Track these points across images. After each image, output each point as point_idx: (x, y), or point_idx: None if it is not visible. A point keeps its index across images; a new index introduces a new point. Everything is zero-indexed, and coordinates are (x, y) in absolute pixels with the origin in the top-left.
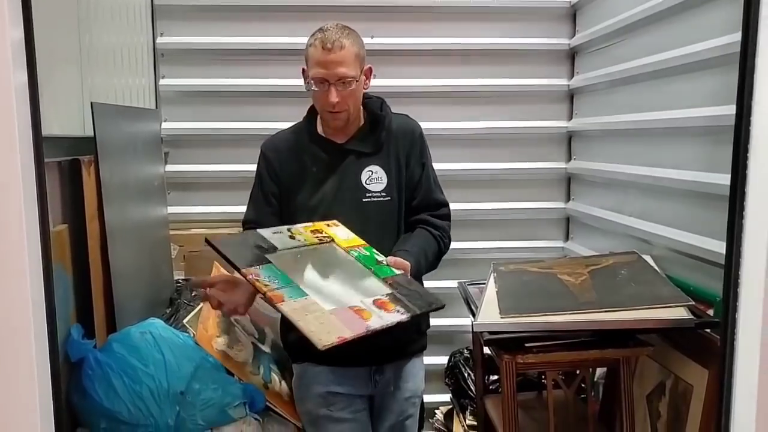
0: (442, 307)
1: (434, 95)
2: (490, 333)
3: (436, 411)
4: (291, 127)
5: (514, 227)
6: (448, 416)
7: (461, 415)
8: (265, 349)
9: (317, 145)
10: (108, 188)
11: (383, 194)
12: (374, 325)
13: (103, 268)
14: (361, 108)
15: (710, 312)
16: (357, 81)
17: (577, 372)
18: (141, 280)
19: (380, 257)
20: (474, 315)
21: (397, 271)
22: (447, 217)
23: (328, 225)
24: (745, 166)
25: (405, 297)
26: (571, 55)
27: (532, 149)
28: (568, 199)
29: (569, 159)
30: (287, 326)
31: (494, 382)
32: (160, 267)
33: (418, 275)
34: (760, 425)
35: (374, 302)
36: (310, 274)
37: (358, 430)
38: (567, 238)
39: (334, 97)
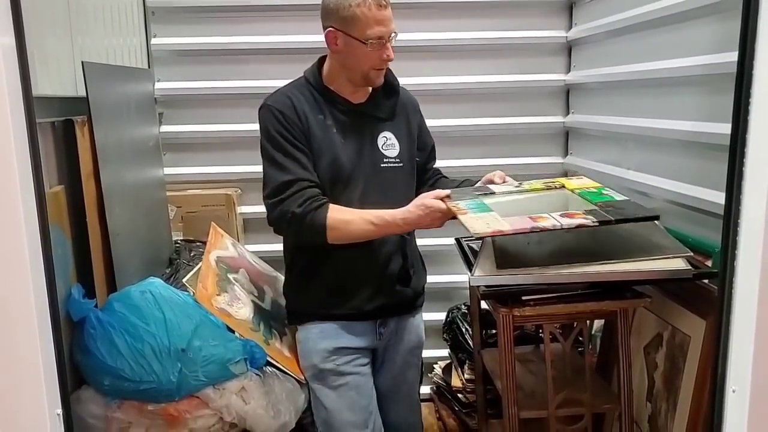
0: (656, 217)
1: (428, 50)
2: (487, 287)
3: (435, 365)
4: (291, 84)
5: None
6: (447, 370)
7: (459, 369)
8: (265, 306)
9: (334, 104)
10: (103, 149)
11: (397, 160)
12: (544, 224)
13: (101, 229)
14: None
15: (708, 263)
16: None
17: (574, 325)
18: (139, 241)
19: (608, 191)
20: (471, 270)
21: (618, 197)
22: None
23: (569, 178)
24: (746, 114)
25: (605, 210)
26: (569, 5)
27: (529, 103)
28: (566, 153)
29: (567, 113)
30: (295, 288)
31: (492, 336)
32: (158, 228)
33: None
34: (757, 372)
35: (562, 214)
36: (514, 204)
37: (361, 382)
38: None
39: (392, 52)
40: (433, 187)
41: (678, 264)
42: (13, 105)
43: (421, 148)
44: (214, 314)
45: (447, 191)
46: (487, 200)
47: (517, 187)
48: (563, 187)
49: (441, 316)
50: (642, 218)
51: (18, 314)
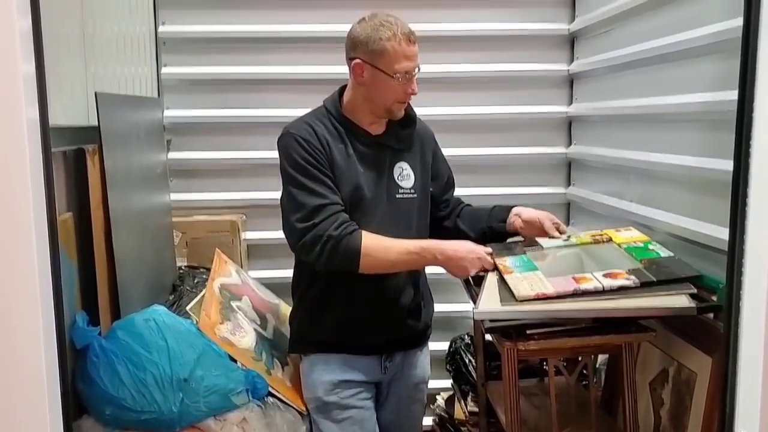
0: (699, 277)
1: (433, 81)
2: (491, 321)
3: (437, 396)
4: (311, 113)
5: None
6: (450, 402)
7: (462, 401)
8: (267, 335)
9: (354, 134)
10: (112, 177)
11: (411, 191)
12: (586, 286)
13: (107, 256)
14: None
15: (714, 298)
16: None
17: (579, 359)
18: (144, 267)
19: (654, 245)
20: (474, 302)
21: (663, 254)
22: None
23: (617, 230)
24: (747, 152)
25: (650, 271)
26: (571, 40)
27: (532, 134)
28: (568, 184)
29: (569, 144)
30: (304, 318)
31: (495, 367)
32: (163, 254)
33: None
34: (765, 413)
35: (605, 274)
36: (560, 261)
37: (365, 416)
38: (568, 223)
39: (416, 87)
40: (459, 218)
41: (682, 301)
42: (31, 134)
43: (435, 178)
44: (216, 343)
45: (489, 249)
46: (533, 256)
47: (565, 240)
48: (611, 240)
49: (444, 346)
50: (684, 278)
51: (25, 342)
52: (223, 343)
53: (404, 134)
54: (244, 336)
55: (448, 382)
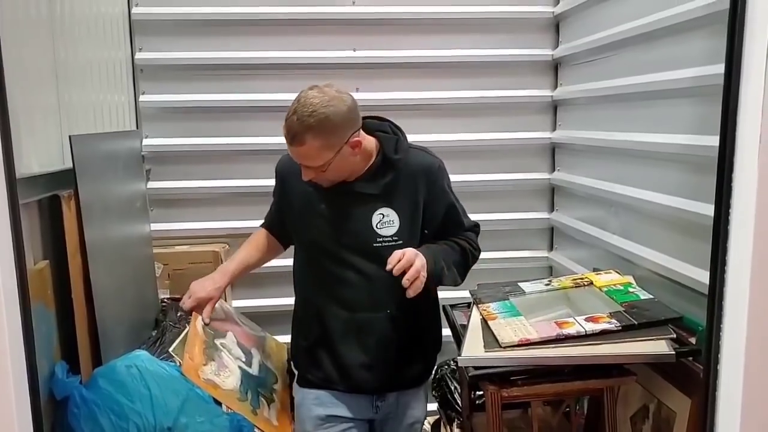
0: (679, 318)
1: (417, 108)
2: (475, 368)
3: (424, 421)
4: None
5: (498, 238)
6: (436, 426)
7: (448, 427)
8: (252, 371)
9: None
10: (89, 219)
11: (395, 238)
12: (569, 331)
13: (86, 301)
14: (372, 140)
15: (693, 340)
16: (332, 163)
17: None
18: (125, 306)
19: (634, 288)
20: (459, 346)
21: (643, 296)
22: (477, 233)
23: (598, 273)
24: (729, 199)
25: (630, 314)
26: (555, 66)
27: (516, 160)
28: (551, 209)
29: (553, 170)
30: (300, 351)
31: (481, 397)
32: (144, 288)
33: (436, 270)
34: None
35: (587, 318)
36: (542, 305)
37: None
38: (551, 248)
39: (305, 176)
40: None
41: (662, 347)
42: None
43: (429, 219)
44: (200, 387)
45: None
46: (516, 300)
47: (546, 285)
48: (592, 283)
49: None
50: (665, 321)
51: None
52: (207, 385)
53: (382, 181)
54: (228, 376)
55: (433, 406)
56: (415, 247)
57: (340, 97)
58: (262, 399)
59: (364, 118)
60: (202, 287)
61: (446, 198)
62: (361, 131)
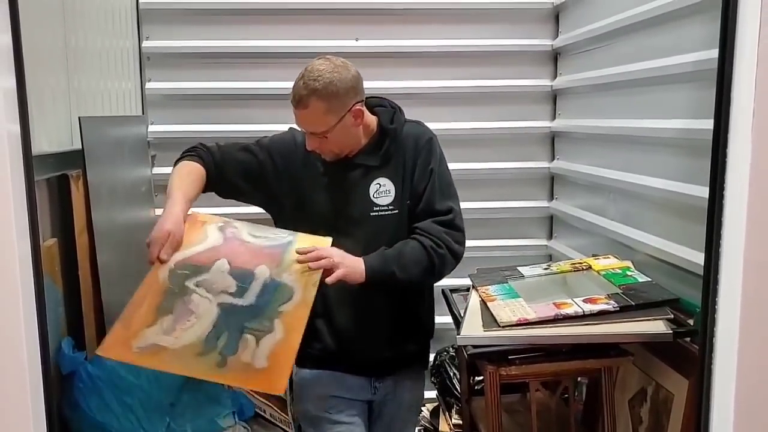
0: (675, 300)
1: (418, 97)
2: (474, 347)
3: (423, 408)
4: None
5: (498, 226)
6: (434, 414)
7: (447, 414)
8: (244, 301)
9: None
10: (96, 200)
11: (391, 207)
12: (567, 311)
13: (92, 279)
14: (373, 118)
15: (691, 321)
16: (334, 130)
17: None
18: (131, 287)
19: (632, 272)
20: (458, 327)
21: (641, 279)
22: (445, 224)
23: (597, 258)
24: (723, 181)
25: (628, 296)
26: (554, 56)
27: (515, 149)
28: (551, 198)
29: (552, 159)
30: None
31: (480, 382)
32: (149, 270)
33: (380, 274)
34: None
35: (585, 299)
36: (541, 288)
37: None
38: (550, 236)
39: (309, 145)
40: None
41: (659, 327)
42: (13, 163)
43: (413, 191)
44: (128, 362)
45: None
46: (516, 283)
47: (545, 269)
48: (590, 267)
49: (429, 358)
50: (662, 302)
51: (9, 371)
52: (139, 356)
53: (379, 152)
54: (191, 325)
55: (433, 393)
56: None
57: (346, 66)
58: (248, 337)
59: (367, 97)
60: (158, 228)
61: (431, 170)
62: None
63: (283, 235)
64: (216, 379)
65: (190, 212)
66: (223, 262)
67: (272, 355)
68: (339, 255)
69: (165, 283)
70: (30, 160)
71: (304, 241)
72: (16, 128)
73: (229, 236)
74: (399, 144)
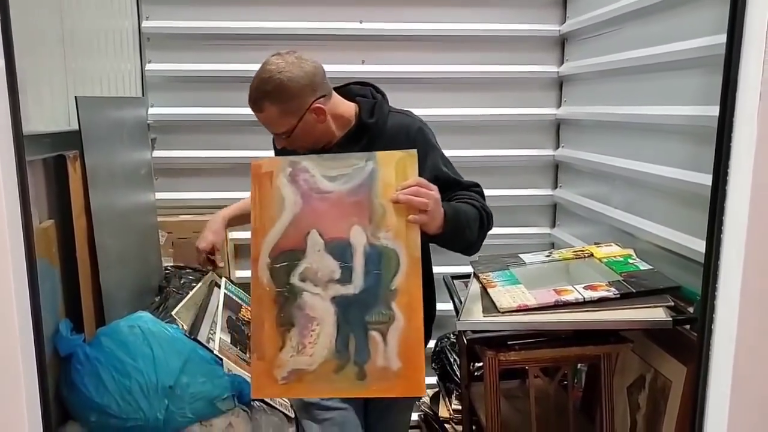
0: (677, 288)
1: (422, 81)
2: (473, 332)
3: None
4: None
5: (501, 214)
6: (434, 399)
7: (447, 399)
8: (353, 288)
9: None
10: (94, 182)
11: None
12: (567, 298)
13: (90, 262)
14: (350, 107)
15: (691, 309)
16: (296, 130)
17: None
18: (129, 270)
19: (634, 259)
20: (458, 312)
21: (643, 267)
22: (480, 193)
23: (599, 246)
24: (726, 168)
25: (629, 283)
26: (561, 42)
27: (520, 136)
28: (555, 186)
29: (557, 146)
30: None
31: (479, 368)
32: (148, 255)
33: (455, 222)
34: (732, 425)
35: (586, 286)
36: (542, 274)
37: (347, 418)
38: (554, 225)
39: (278, 144)
40: None
41: (659, 314)
42: (3, 144)
43: None
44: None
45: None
46: (517, 270)
47: (547, 256)
48: (592, 255)
49: (430, 344)
50: (663, 290)
51: (3, 352)
52: (288, 388)
53: (356, 147)
54: (317, 335)
55: (433, 379)
56: None
57: (299, 64)
58: (373, 334)
59: (349, 84)
60: (203, 239)
61: (430, 161)
62: (336, 97)
63: (359, 163)
64: (362, 394)
65: (252, 161)
66: (315, 237)
67: (402, 351)
68: (435, 191)
69: (272, 289)
70: (21, 140)
71: (386, 162)
72: (5, 106)
73: (305, 190)
74: (385, 138)
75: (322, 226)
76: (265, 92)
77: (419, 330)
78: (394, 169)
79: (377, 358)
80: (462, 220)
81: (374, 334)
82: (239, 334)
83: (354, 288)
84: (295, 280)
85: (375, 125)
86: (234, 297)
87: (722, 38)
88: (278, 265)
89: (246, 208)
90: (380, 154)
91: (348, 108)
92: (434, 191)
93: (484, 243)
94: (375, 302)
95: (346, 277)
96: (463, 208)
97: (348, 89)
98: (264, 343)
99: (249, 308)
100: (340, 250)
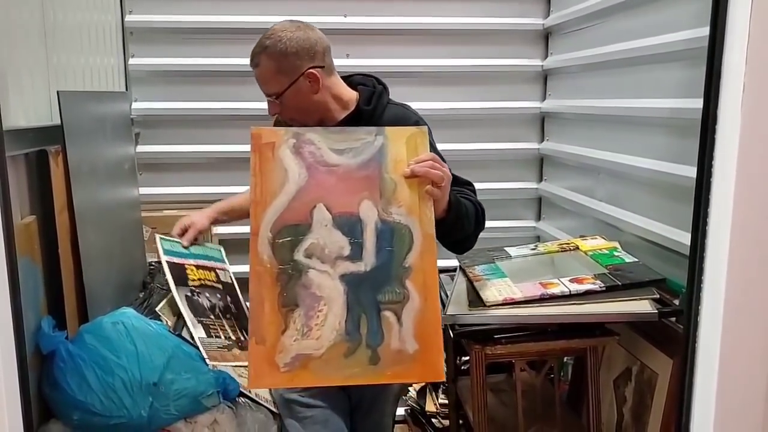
0: (662, 281)
1: (407, 75)
2: (459, 326)
3: (409, 388)
4: None
5: (486, 207)
6: (421, 393)
7: (434, 393)
8: (364, 266)
9: None
10: (77, 177)
11: None
12: (553, 291)
13: (73, 258)
14: (351, 93)
15: (677, 301)
16: (287, 93)
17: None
18: (113, 266)
19: (619, 252)
20: (444, 306)
21: (628, 260)
22: (474, 192)
23: (584, 238)
24: (711, 160)
25: (614, 276)
26: (545, 36)
27: (505, 130)
28: (540, 179)
29: (542, 140)
30: None
31: (466, 362)
32: (132, 251)
33: (457, 209)
34: (719, 416)
35: (572, 279)
36: (528, 268)
37: (328, 416)
38: (539, 218)
39: (270, 110)
40: None
41: (645, 306)
42: None
43: None
44: (283, 386)
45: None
46: (503, 263)
47: (532, 249)
48: (577, 248)
49: None
50: (648, 282)
51: None
52: (293, 376)
53: None
54: (324, 316)
55: None
56: None
57: (304, 29)
58: (387, 314)
59: (353, 74)
60: (187, 216)
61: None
62: (338, 78)
63: (368, 138)
64: (375, 381)
65: (252, 129)
66: (322, 211)
67: (419, 332)
68: (447, 168)
69: (273, 265)
70: (1, 134)
71: (396, 138)
72: None
73: (310, 162)
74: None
75: (329, 200)
76: (264, 47)
77: (436, 310)
78: (405, 145)
79: (392, 340)
80: (462, 210)
81: (388, 315)
82: (207, 311)
83: (365, 265)
84: (299, 256)
85: (372, 113)
86: (176, 260)
87: (705, 31)
88: (281, 240)
89: (239, 202)
90: (390, 130)
91: (349, 93)
92: (447, 168)
93: None
94: (387, 280)
95: (356, 254)
96: (462, 200)
97: (351, 79)
98: (264, 325)
99: (197, 262)
100: (350, 226)
